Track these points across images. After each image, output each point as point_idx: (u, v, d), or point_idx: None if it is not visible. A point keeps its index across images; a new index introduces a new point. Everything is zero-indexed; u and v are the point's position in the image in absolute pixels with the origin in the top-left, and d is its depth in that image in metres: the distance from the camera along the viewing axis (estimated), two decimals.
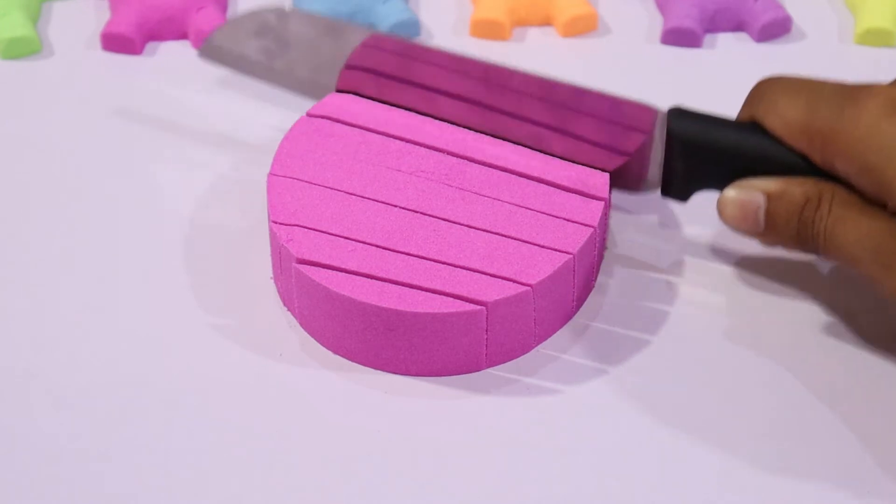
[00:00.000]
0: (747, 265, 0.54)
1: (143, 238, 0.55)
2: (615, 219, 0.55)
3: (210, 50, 0.59)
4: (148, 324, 0.52)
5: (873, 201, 0.46)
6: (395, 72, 0.55)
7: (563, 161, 0.53)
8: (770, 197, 0.49)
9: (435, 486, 0.46)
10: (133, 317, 0.52)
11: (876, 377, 0.50)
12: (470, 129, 0.54)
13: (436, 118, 0.54)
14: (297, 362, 0.50)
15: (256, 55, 0.58)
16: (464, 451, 0.47)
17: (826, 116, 0.47)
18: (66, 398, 0.49)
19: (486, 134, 0.54)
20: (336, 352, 0.50)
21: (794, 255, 0.54)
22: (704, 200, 0.57)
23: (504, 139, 0.54)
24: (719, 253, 0.54)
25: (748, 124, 0.50)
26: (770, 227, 0.49)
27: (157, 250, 0.54)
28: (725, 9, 0.66)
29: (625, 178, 0.53)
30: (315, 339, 0.51)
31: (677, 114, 0.51)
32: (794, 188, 0.48)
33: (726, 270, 0.54)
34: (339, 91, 0.56)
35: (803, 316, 0.52)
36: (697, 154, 0.50)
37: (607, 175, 0.52)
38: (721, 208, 0.50)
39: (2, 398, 0.49)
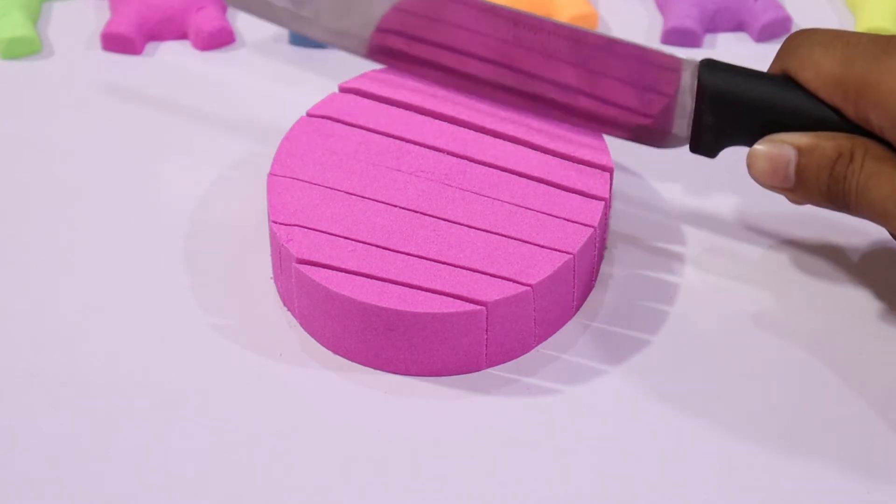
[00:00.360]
0: (747, 265, 0.54)
1: (143, 238, 0.55)
2: (615, 219, 0.55)
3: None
4: (148, 324, 0.52)
5: None
6: (425, 34, 0.54)
7: (563, 161, 0.53)
8: (801, 151, 0.48)
9: (435, 487, 0.46)
10: (133, 317, 0.52)
11: (878, 381, 0.50)
12: (498, 89, 0.53)
13: (465, 78, 0.54)
14: (297, 362, 0.50)
15: (283, 2, 0.57)
16: (464, 451, 0.47)
17: (861, 68, 0.46)
18: (66, 398, 0.49)
19: (514, 93, 0.53)
20: (336, 352, 0.50)
21: (794, 254, 0.54)
22: (705, 200, 0.57)
23: (531, 98, 0.53)
24: (719, 253, 0.54)
25: (780, 77, 0.49)
26: (800, 182, 0.48)
27: (157, 250, 0.54)
28: (725, 9, 0.66)
29: (651, 134, 0.52)
30: (315, 339, 0.51)
31: (709, 66, 0.50)
32: (826, 142, 0.47)
33: (726, 270, 0.54)
34: (372, 48, 0.55)
35: (803, 316, 0.52)
36: (728, 107, 0.49)
37: (607, 175, 0.52)
38: (750, 163, 0.49)
39: (2, 398, 0.49)
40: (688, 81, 0.50)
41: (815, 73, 0.47)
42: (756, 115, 0.49)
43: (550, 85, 0.53)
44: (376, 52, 0.55)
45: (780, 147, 0.48)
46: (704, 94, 0.50)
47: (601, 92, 0.52)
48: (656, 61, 0.51)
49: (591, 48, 0.52)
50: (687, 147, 0.52)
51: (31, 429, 0.48)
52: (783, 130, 0.48)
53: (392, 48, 0.55)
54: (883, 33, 0.65)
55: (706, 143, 0.51)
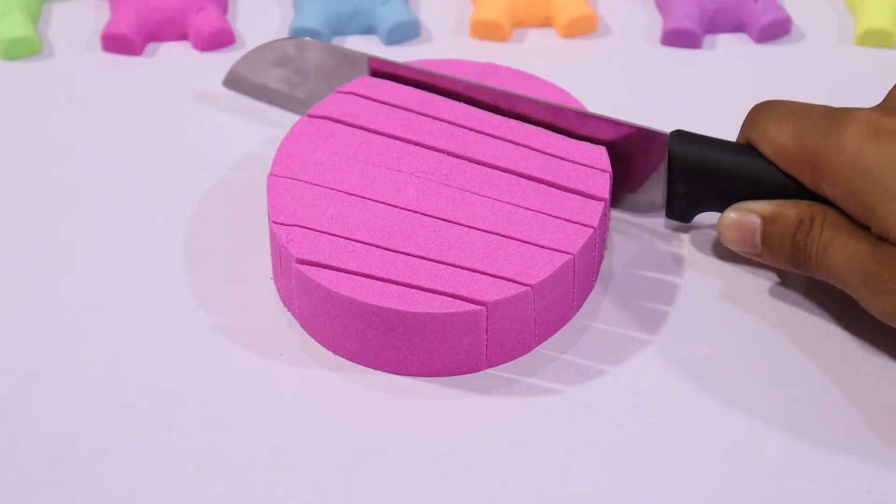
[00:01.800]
0: (748, 265, 0.54)
1: (143, 238, 0.55)
2: (615, 219, 0.55)
3: (233, 80, 0.61)
4: (148, 324, 0.52)
5: (861, 224, 0.47)
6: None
7: (563, 161, 0.53)
8: (765, 219, 0.50)
9: (435, 486, 0.46)
10: (133, 317, 0.52)
11: (878, 380, 0.50)
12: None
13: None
14: (297, 362, 0.50)
15: (277, 85, 0.60)
16: (464, 451, 0.47)
17: (812, 141, 0.48)
18: (66, 398, 0.49)
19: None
20: (336, 352, 0.50)
21: None
22: None
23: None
24: (720, 253, 0.54)
25: (746, 147, 0.51)
26: (766, 248, 0.50)
27: (157, 250, 0.54)
28: (725, 9, 0.66)
29: (630, 203, 0.55)
30: (315, 339, 0.51)
31: (679, 137, 0.52)
32: (787, 210, 0.49)
33: (727, 270, 0.54)
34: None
35: (804, 316, 0.52)
36: (698, 176, 0.52)
37: (607, 175, 0.52)
38: (721, 231, 0.51)
39: (2, 398, 0.49)
40: (659, 153, 0.52)
41: (772, 146, 0.49)
42: (724, 184, 0.51)
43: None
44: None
45: (746, 216, 0.50)
46: (675, 164, 0.52)
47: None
48: (631, 135, 0.53)
49: (566, 121, 0.54)
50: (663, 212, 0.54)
51: (31, 429, 0.48)
52: (750, 197, 0.51)
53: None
54: (883, 34, 0.65)
55: (679, 209, 0.53)
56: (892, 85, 0.49)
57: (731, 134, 0.53)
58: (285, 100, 0.60)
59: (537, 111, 0.54)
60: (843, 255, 0.47)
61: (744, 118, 0.52)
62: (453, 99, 0.56)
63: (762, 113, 0.51)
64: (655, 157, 0.53)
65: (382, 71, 0.57)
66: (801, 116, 0.49)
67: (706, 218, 0.55)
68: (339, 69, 0.58)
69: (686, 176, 0.52)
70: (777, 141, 0.49)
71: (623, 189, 0.54)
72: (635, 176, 0.54)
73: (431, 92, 0.56)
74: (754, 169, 0.50)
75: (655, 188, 0.54)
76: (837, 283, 0.48)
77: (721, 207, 0.52)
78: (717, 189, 0.51)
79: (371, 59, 0.57)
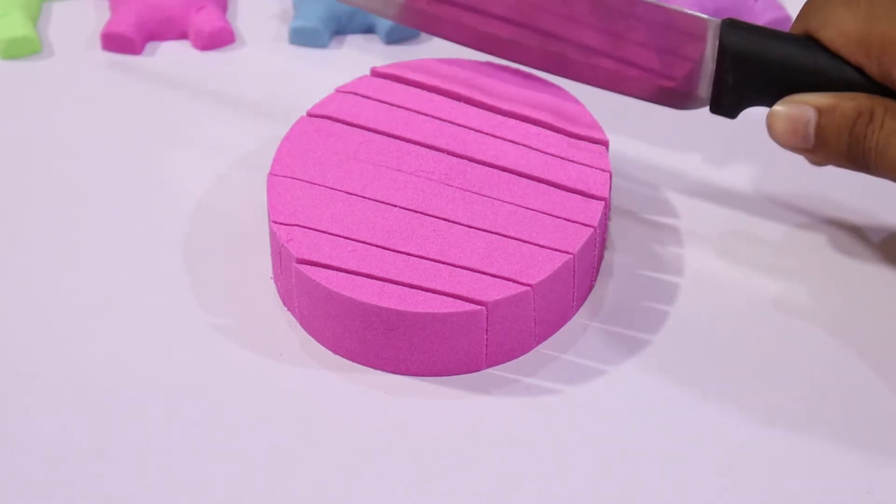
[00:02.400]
0: (748, 265, 0.54)
1: (143, 238, 0.55)
2: (615, 219, 0.55)
3: None
4: (148, 324, 0.52)
5: None
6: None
7: (563, 160, 0.53)
8: (821, 111, 0.48)
9: (435, 486, 0.46)
10: (133, 317, 0.52)
11: (878, 380, 0.50)
12: (521, 50, 0.54)
13: (489, 39, 0.54)
14: (297, 362, 0.50)
15: None
16: (464, 451, 0.47)
17: (885, 25, 0.46)
18: (66, 398, 0.49)
19: (537, 54, 0.53)
20: (336, 352, 0.50)
21: (793, 255, 0.54)
22: (705, 200, 0.57)
23: (554, 59, 0.53)
24: (720, 253, 0.54)
25: (802, 38, 0.49)
26: (820, 142, 0.48)
27: (157, 250, 0.54)
28: (725, 9, 0.66)
29: (673, 95, 0.53)
30: (315, 339, 0.51)
31: (731, 26, 0.50)
32: (846, 102, 0.48)
33: (727, 270, 0.54)
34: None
35: (803, 316, 0.52)
36: (750, 68, 0.50)
37: (607, 175, 0.52)
38: (770, 123, 0.49)
39: (2, 398, 0.49)
40: (710, 42, 0.50)
41: (838, 31, 0.47)
42: (777, 76, 0.49)
43: (572, 46, 0.53)
44: (403, 13, 0.56)
45: (799, 108, 0.48)
46: (726, 55, 0.50)
47: (623, 53, 0.52)
48: (679, 22, 0.51)
49: (613, 9, 0.52)
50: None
51: (31, 429, 0.48)
52: (804, 91, 0.49)
53: (418, 9, 0.55)
54: None
55: (727, 103, 0.51)
56: None
57: (730, 134, 0.53)
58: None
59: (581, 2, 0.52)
60: None
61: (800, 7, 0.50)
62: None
63: (825, 0, 0.48)
64: (702, 47, 0.51)
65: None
66: (873, 1, 0.47)
67: (707, 214, 0.55)
68: None
69: (737, 67, 0.50)
70: (845, 25, 0.47)
71: (667, 81, 0.52)
72: (680, 67, 0.52)
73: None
74: (812, 59, 0.48)
75: (702, 80, 0.51)
76: None
77: (771, 102, 0.50)
78: (770, 81, 0.49)
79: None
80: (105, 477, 0.46)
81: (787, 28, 0.65)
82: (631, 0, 0.52)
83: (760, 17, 0.65)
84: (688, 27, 0.51)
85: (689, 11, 0.51)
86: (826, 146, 0.48)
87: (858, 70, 0.48)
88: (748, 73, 0.50)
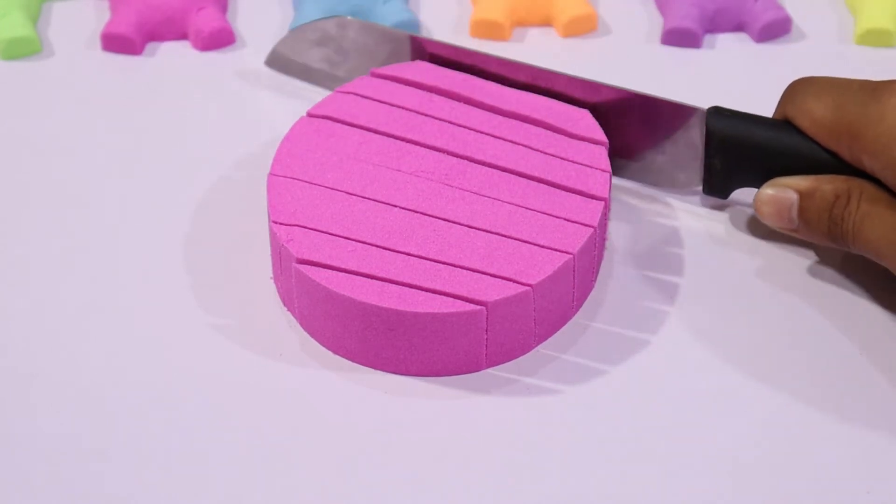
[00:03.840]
0: (747, 265, 0.54)
1: (144, 238, 0.55)
2: (615, 219, 0.55)
3: (275, 60, 0.62)
4: (148, 324, 0.52)
5: None
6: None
7: (563, 160, 0.53)
8: (802, 195, 0.50)
9: (435, 486, 0.46)
10: (133, 317, 0.52)
11: (878, 380, 0.50)
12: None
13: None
14: (297, 362, 0.50)
15: (319, 64, 0.60)
16: (464, 451, 0.47)
17: (852, 114, 0.48)
18: (66, 398, 0.49)
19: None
20: (336, 352, 0.50)
21: (793, 255, 0.54)
22: (705, 200, 0.57)
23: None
24: (720, 253, 0.54)
25: (782, 123, 0.52)
26: (803, 223, 0.51)
27: (157, 250, 0.54)
28: (725, 9, 0.66)
29: (666, 180, 0.56)
30: (315, 339, 0.51)
31: (716, 113, 0.53)
32: (824, 185, 0.50)
33: (726, 270, 0.54)
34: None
35: (803, 317, 0.52)
36: (735, 152, 0.52)
37: (607, 175, 0.52)
38: (757, 206, 0.52)
39: (2, 398, 0.49)
40: (696, 129, 0.53)
41: (811, 120, 0.50)
42: (761, 159, 0.52)
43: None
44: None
45: (783, 191, 0.51)
46: (712, 140, 0.53)
47: (616, 142, 0.55)
48: (667, 111, 0.54)
49: (604, 99, 0.55)
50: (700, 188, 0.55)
51: (31, 429, 0.48)
52: (788, 173, 0.51)
53: None
54: (883, 34, 0.65)
55: (717, 185, 0.54)
56: None
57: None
58: (326, 79, 0.61)
59: (573, 87, 0.55)
60: (880, 228, 0.48)
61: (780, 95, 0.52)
62: (496, 81, 0.56)
63: (800, 88, 0.51)
64: (691, 134, 0.53)
65: (426, 51, 0.58)
66: (841, 89, 0.49)
67: (707, 214, 0.55)
68: (379, 47, 0.59)
69: (723, 152, 0.53)
70: (816, 114, 0.50)
71: (659, 166, 0.55)
72: (671, 152, 0.55)
73: (475, 74, 0.57)
74: (792, 144, 0.51)
75: (692, 165, 0.54)
76: (875, 257, 0.49)
77: (758, 183, 0.52)
78: (754, 165, 0.52)
79: (413, 38, 0.58)
80: (105, 477, 0.46)
81: (787, 29, 0.66)
82: (620, 92, 0.54)
83: (760, 17, 0.65)
84: (675, 116, 0.54)
85: (677, 101, 0.54)
86: (809, 227, 0.51)
87: (835, 154, 0.50)
88: (734, 157, 0.53)
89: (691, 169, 0.55)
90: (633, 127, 0.55)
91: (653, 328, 0.51)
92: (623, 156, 0.56)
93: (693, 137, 0.54)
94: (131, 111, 0.62)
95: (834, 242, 0.50)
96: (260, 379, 0.49)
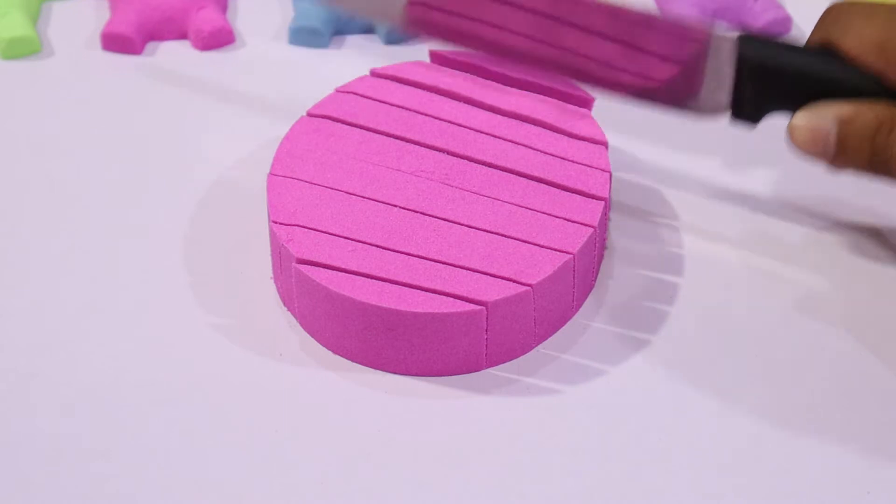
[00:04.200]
0: (747, 265, 0.54)
1: (144, 238, 0.55)
2: (615, 219, 0.55)
3: None
4: (148, 324, 0.52)
5: None
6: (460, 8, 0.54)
7: (563, 160, 0.53)
8: (842, 121, 0.48)
9: (435, 486, 0.46)
10: (133, 317, 0.52)
11: (878, 380, 0.50)
12: (536, 63, 0.53)
13: (502, 51, 0.54)
14: (297, 362, 0.50)
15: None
16: (464, 451, 0.47)
17: None
18: (66, 398, 0.49)
19: (555, 67, 0.53)
20: (336, 352, 0.50)
21: (793, 255, 0.54)
22: (705, 200, 0.57)
23: (572, 73, 0.53)
24: (719, 252, 0.54)
25: (819, 49, 0.49)
26: (841, 151, 0.48)
27: (157, 250, 0.54)
28: (725, 9, 0.66)
29: (694, 105, 0.52)
30: (315, 339, 0.51)
31: (748, 40, 0.50)
32: (866, 111, 0.47)
33: (726, 270, 0.54)
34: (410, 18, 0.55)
35: (803, 316, 0.52)
36: (769, 80, 0.50)
37: (607, 175, 0.52)
38: (791, 133, 0.49)
39: (2, 398, 0.49)
40: (727, 55, 0.50)
41: (859, 39, 0.47)
42: (796, 87, 0.49)
43: (590, 61, 0.53)
44: (413, 24, 0.55)
45: (820, 118, 0.48)
46: (744, 68, 0.50)
47: (641, 68, 0.52)
48: (695, 36, 0.51)
49: (629, 24, 0.52)
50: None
51: (31, 429, 0.48)
52: (824, 98, 0.49)
53: (429, 21, 0.54)
54: None
55: (747, 112, 0.51)
56: None
57: (731, 134, 0.53)
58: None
59: (597, 12, 0.52)
60: None
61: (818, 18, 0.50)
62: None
63: (843, 10, 0.49)
64: (721, 60, 0.50)
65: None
66: (891, 10, 0.47)
67: (707, 214, 0.55)
68: None
69: (756, 80, 0.50)
70: (864, 34, 0.47)
71: (687, 92, 0.52)
72: (699, 79, 0.51)
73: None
74: (830, 69, 0.48)
75: (721, 91, 0.51)
76: None
77: (792, 109, 0.50)
78: (788, 92, 0.50)
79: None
80: (105, 477, 0.46)
81: (787, 29, 0.66)
82: (646, 16, 0.52)
83: (760, 17, 0.65)
84: (704, 41, 0.51)
85: (705, 25, 0.51)
86: (847, 155, 0.48)
87: (879, 78, 0.48)
88: (767, 85, 0.50)
89: (720, 94, 0.51)
90: (659, 54, 0.52)
91: (653, 328, 0.51)
92: (650, 83, 0.52)
93: (722, 64, 0.50)
94: (131, 111, 0.62)
95: (875, 172, 0.48)
96: (260, 379, 0.49)
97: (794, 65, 0.49)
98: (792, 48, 0.50)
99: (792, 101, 0.50)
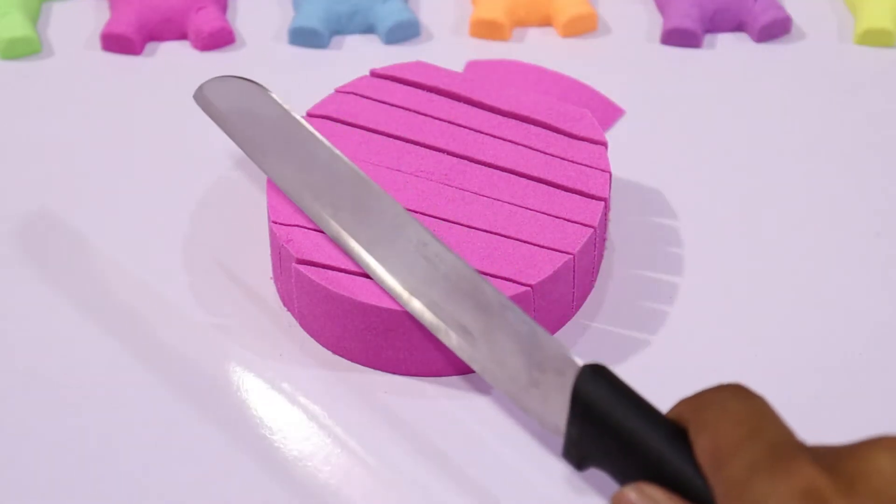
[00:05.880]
0: (747, 265, 0.54)
1: (144, 238, 0.55)
2: (615, 219, 0.55)
3: (200, 98, 0.54)
4: (148, 324, 0.52)
5: None
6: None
7: (563, 161, 0.53)
8: None
9: (435, 486, 0.46)
10: (133, 316, 0.52)
11: (878, 380, 0.50)
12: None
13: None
14: (297, 362, 0.50)
15: (232, 119, 0.53)
16: (464, 450, 0.47)
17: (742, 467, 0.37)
18: (66, 398, 0.49)
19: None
20: (336, 352, 0.50)
21: (793, 255, 0.54)
22: (705, 200, 0.57)
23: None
24: (719, 253, 0.54)
25: (671, 424, 0.40)
26: None
27: (157, 250, 0.54)
28: (725, 9, 0.66)
29: (535, 415, 0.44)
30: (315, 339, 0.51)
31: (592, 374, 0.41)
32: None
33: (726, 270, 0.54)
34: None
35: (803, 316, 0.52)
36: (600, 429, 0.40)
37: (607, 175, 0.52)
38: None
39: (2, 398, 0.49)
40: (567, 383, 0.42)
41: (711, 447, 0.38)
42: (628, 452, 0.39)
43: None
44: None
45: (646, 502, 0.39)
46: (575, 404, 0.41)
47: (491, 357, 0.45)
48: (544, 349, 0.44)
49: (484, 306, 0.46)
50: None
51: (32, 429, 0.48)
52: (653, 478, 0.39)
53: None
54: (883, 33, 0.65)
55: (572, 452, 0.41)
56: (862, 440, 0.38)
57: (730, 135, 0.53)
58: (236, 137, 0.53)
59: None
60: None
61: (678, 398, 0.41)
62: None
63: (717, 400, 0.39)
64: (562, 382, 0.42)
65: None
66: (756, 430, 0.38)
67: (707, 213, 0.55)
68: (286, 136, 0.52)
69: (586, 423, 0.40)
70: (704, 444, 0.38)
71: (532, 399, 0.43)
72: (544, 391, 0.43)
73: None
74: (671, 453, 0.39)
75: (559, 417, 0.42)
76: None
77: (617, 475, 0.40)
78: (618, 453, 0.40)
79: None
80: (105, 477, 0.46)
81: (787, 29, 0.66)
82: (502, 303, 0.45)
83: (760, 17, 0.65)
84: (549, 360, 0.43)
85: (557, 344, 0.43)
86: None
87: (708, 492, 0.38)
88: (597, 434, 0.40)
89: (558, 420, 0.42)
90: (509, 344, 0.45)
91: (653, 328, 0.51)
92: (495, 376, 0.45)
93: (566, 386, 0.42)
94: (131, 111, 0.62)
95: None
96: (260, 379, 0.49)
97: (633, 426, 0.40)
98: (641, 408, 0.40)
99: (619, 465, 0.40)
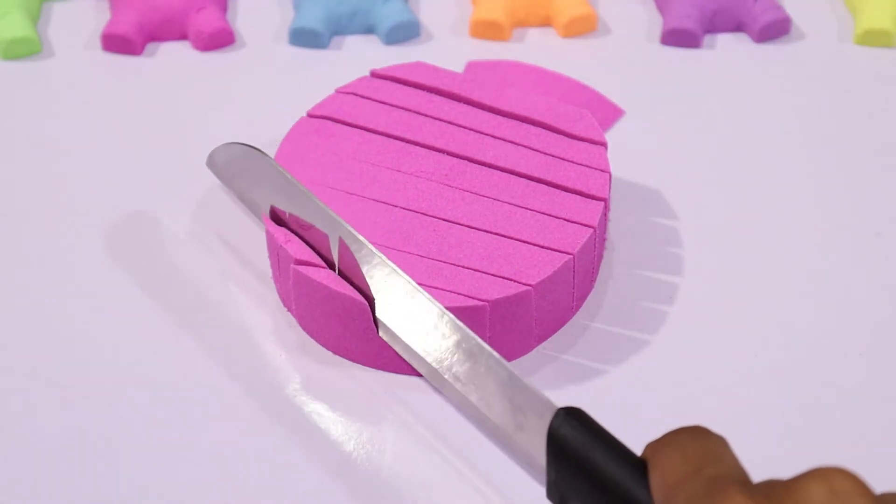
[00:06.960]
0: (747, 265, 0.54)
1: (143, 238, 0.55)
2: (615, 219, 0.55)
3: (211, 162, 0.55)
4: (148, 324, 0.51)
5: None
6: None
7: (563, 161, 0.53)
8: None
9: (435, 486, 0.46)
10: (133, 317, 0.52)
11: (877, 379, 0.50)
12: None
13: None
14: (297, 362, 0.50)
15: (239, 183, 0.54)
16: (464, 450, 0.47)
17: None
18: (66, 398, 0.49)
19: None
20: (336, 352, 0.50)
21: (793, 255, 0.54)
22: (705, 200, 0.57)
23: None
24: (719, 253, 0.54)
25: (640, 462, 0.40)
26: None
27: (157, 250, 0.54)
28: (725, 9, 0.66)
29: (521, 459, 0.46)
30: (315, 339, 0.51)
31: (566, 417, 0.41)
32: None
33: (727, 270, 0.54)
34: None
35: (803, 316, 0.52)
36: (574, 471, 0.41)
37: (607, 175, 0.52)
38: None
39: (2, 398, 0.49)
40: (545, 426, 0.42)
41: (661, 481, 0.39)
42: (601, 494, 0.41)
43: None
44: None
45: None
46: (552, 446, 0.42)
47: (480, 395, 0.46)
48: (525, 399, 0.45)
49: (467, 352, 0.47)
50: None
51: (32, 429, 0.48)
52: None
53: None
54: (882, 34, 0.65)
55: (553, 495, 0.43)
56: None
57: (730, 135, 0.53)
58: (245, 200, 0.54)
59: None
60: None
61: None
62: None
63: (675, 440, 0.40)
64: (540, 427, 0.43)
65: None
66: (699, 467, 0.38)
67: (707, 213, 0.55)
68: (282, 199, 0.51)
69: (560, 462, 0.42)
70: (658, 479, 0.39)
71: (516, 440, 0.45)
72: (524, 438, 0.44)
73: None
74: (638, 492, 0.40)
75: (539, 456, 0.43)
76: None
77: None
78: (591, 493, 0.41)
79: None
80: (105, 477, 0.46)
81: (787, 29, 0.66)
82: (488, 355, 0.46)
83: (760, 17, 0.65)
84: (529, 411, 0.44)
85: (533, 390, 0.44)
86: None
87: None
88: (572, 475, 0.41)
89: (538, 460, 0.43)
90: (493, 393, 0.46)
91: (653, 328, 0.51)
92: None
93: (544, 428, 0.42)
94: (131, 111, 0.62)
95: None
96: (260, 379, 0.49)
97: (602, 468, 0.41)
98: (611, 450, 0.41)
99: (591, 502, 0.41)
